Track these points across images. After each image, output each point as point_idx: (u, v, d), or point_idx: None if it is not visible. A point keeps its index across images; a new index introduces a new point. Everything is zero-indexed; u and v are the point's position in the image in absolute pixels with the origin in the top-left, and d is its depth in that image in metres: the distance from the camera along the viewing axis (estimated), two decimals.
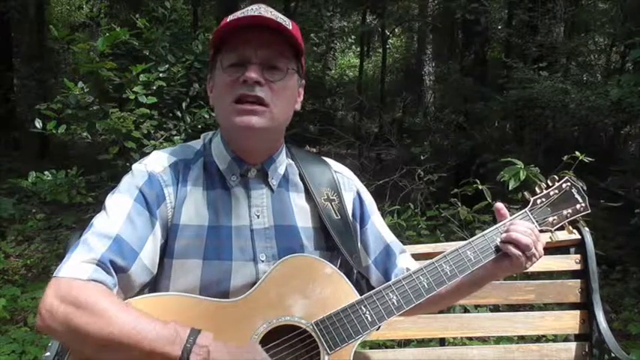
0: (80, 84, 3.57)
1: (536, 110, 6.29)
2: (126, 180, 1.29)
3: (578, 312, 1.98)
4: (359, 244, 1.44)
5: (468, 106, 7.32)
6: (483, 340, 2.97)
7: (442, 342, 2.04)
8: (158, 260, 1.26)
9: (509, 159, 3.24)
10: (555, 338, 2.80)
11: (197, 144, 1.39)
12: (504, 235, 1.35)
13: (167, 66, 3.90)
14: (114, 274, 1.17)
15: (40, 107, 3.60)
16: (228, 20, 1.27)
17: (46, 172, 3.63)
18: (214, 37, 1.28)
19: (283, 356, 1.20)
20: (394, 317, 1.28)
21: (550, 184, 1.49)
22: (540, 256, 1.36)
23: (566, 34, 7.54)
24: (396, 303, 1.27)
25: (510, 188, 3.05)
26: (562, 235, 1.62)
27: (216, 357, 1.08)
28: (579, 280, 2.00)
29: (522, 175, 3.04)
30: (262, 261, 1.28)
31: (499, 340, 2.89)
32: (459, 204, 3.81)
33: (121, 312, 1.11)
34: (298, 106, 1.37)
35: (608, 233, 5.13)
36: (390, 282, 1.30)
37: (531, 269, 1.42)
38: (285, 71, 1.27)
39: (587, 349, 1.95)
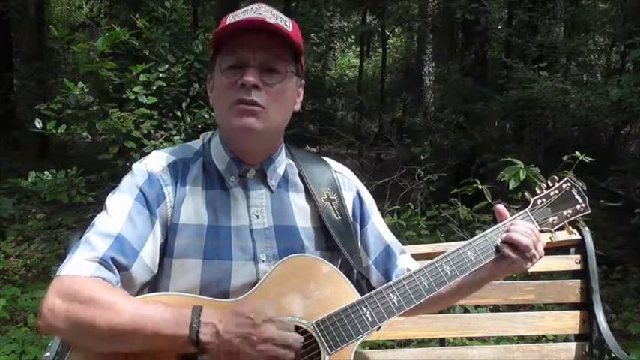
0: (80, 84, 3.57)
1: (536, 110, 6.29)
2: (126, 180, 1.30)
3: (578, 312, 1.98)
4: (359, 244, 1.44)
5: (468, 106, 7.32)
6: (483, 340, 2.97)
7: (442, 342, 2.04)
8: (158, 259, 1.26)
9: (509, 159, 3.24)
10: (555, 338, 2.80)
11: (196, 144, 1.39)
12: (504, 235, 1.36)
13: (167, 66, 3.90)
14: (116, 271, 1.18)
15: (40, 107, 3.61)
16: (227, 21, 1.27)
17: (46, 172, 3.63)
18: (213, 38, 1.28)
19: None
20: (395, 317, 1.28)
21: (550, 184, 1.50)
22: (541, 257, 1.37)
23: (566, 34, 7.54)
24: (396, 303, 1.27)
25: (510, 188, 3.05)
26: (562, 235, 1.62)
27: (224, 328, 1.09)
28: (579, 280, 2.00)
29: (522, 175, 3.04)
30: (263, 261, 1.28)
31: (499, 340, 2.89)
32: (459, 204, 3.81)
33: (125, 301, 1.12)
34: (297, 107, 1.37)
35: (608, 233, 5.13)
36: (390, 282, 1.30)
37: (531, 269, 1.42)
38: (283, 74, 1.27)
39: (587, 349, 1.95)
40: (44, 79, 9.87)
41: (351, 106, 11.79)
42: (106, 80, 3.60)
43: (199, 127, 3.84)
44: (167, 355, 1.13)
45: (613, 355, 1.83)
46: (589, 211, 1.50)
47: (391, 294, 1.28)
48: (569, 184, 1.50)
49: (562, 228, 1.48)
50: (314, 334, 1.21)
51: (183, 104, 3.94)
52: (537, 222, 1.43)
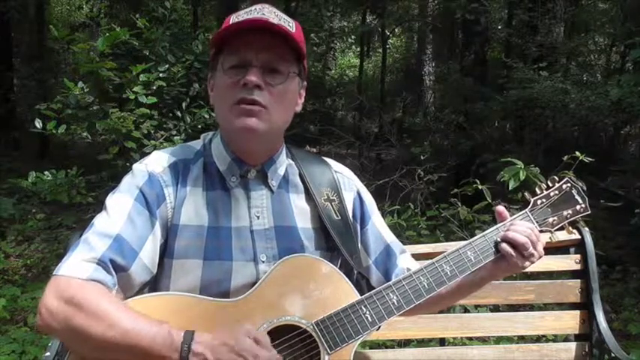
0: (80, 84, 3.57)
1: (536, 110, 6.29)
2: (126, 180, 1.30)
3: (578, 312, 1.98)
4: (359, 244, 1.44)
5: (468, 106, 7.32)
6: (483, 340, 2.97)
7: (442, 342, 2.04)
8: (158, 260, 1.26)
9: (509, 159, 3.24)
10: (555, 338, 2.80)
11: (197, 144, 1.39)
12: (503, 234, 1.36)
13: (167, 66, 3.90)
14: (114, 273, 1.18)
15: (40, 107, 3.61)
16: (230, 21, 1.27)
17: (46, 172, 3.63)
18: (216, 38, 1.28)
19: (283, 356, 1.20)
20: (394, 317, 1.28)
21: (550, 184, 1.50)
22: (540, 257, 1.37)
23: (566, 34, 7.53)
24: (396, 303, 1.27)
25: (510, 188, 3.05)
26: (562, 235, 1.62)
27: (215, 358, 1.08)
28: (579, 280, 2.00)
29: (522, 175, 3.04)
30: (263, 261, 1.28)
31: (499, 340, 2.89)
32: (459, 204, 3.81)
33: (121, 313, 1.11)
34: (299, 108, 1.37)
35: (608, 233, 5.13)
36: (390, 282, 1.31)
37: (531, 269, 1.42)
38: (286, 75, 1.27)
39: (587, 349, 1.95)
40: (44, 79, 9.87)
41: (351, 106, 11.79)
42: (106, 80, 3.60)
43: (199, 127, 3.84)
44: None
45: (613, 355, 1.83)
46: (589, 212, 1.50)
47: (391, 294, 1.28)
48: (569, 185, 1.50)
49: (562, 228, 1.49)
50: (313, 334, 1.21)
51: (183, 104, 3.94)
52: (537, 222, 1.43)
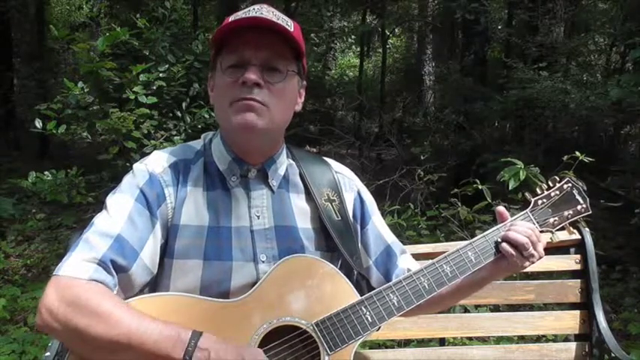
0: (80, 84, 3.57)
1: (536, 110, 6.29)
2: (127, 180, 1.29)
3: (578, 312, 1.98)
4: (359, 244, 1.44)
5: (467, 106, 7.32)
6: (483, 340, 2.97)
7: (442, 342, 2.04)
8: (158, 260, 1.26)
9: (509, 159, 3.24)
10: (555, 338, 2.80)
11: (197, 144, 1.39)
12: (503, 233, 1.36)
13: (167, 66, 3.90)
14: (114, 273, 1.18)
15: (40, 107, 3.60)
16: (229, 20, 1.27)
17: (46, 172, 3.63)
18: (215, 38, 1.28)
19: (283, 357, 1.20)
20: (394, 318, 1.28)
21: (551, 184, 1.50)
22: (540, 257, 1.37)
23: (566, 34, 7.52)
24: (396, 304, 1.27)
25: (510, 188, 3.05)
26: (562, 236, 1.63)
27: (218, 358, 1.08)
28: (579, 280, 2.00)
29: (522, 175, 3.04)
30: (263, 261, 1.28)
31: (499, 340, 2.89)
32: (459, 204, 3.81)
33: (123, 313, 1.11)
34: (299, 107, 1.37)
35: (608, 233, 5.13)
36: (390, 283, 1.31)
37: (531, 269, 1.42)
38: (285, 73, 1.27)
39: (587, 349, 1.95)
40: (44, 79, 9.86)
41: (351, 106, 11.79)
42: (106, 80, 3.60)
43: (199, 127, 3.83)
44: None
45: (613, 355, 1.83)
46: (590, 212, 1.50)
47: (391, 294, 1.28)
48: (570, 185, 1.50)
49: (563, 228, 1.48)
50: (313, 334, 1.21)
51: (183, 104, 3.94)
52: (538, 222, 1.43)
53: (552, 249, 1.92)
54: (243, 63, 1.24)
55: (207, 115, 3.83)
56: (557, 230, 1.47)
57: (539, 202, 1.46)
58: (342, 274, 1.29)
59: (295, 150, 1.45)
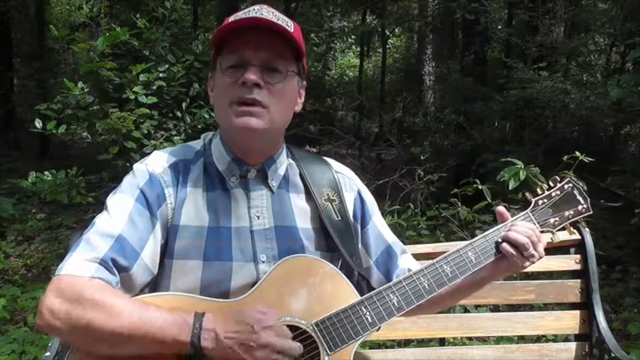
0: (80, 84, 3.57)
1: (536, 110, 6.29)
2: (127, 180, 1.30)
3: (578, 312, 1.98)
4: (360, 244, 1.44)
5: (467, 106, 7.32)
6: (483, 340, 2.97)
7: (442, 342, 2.04)
8: (158, 260, 1.26)
9: (509, 159, 3.24)
10: (555, 338, 2.80)
11: (197, 144, 1.39)
12: (503, 233, 1.36)
13: (167, 66, 3.90)
14: (116, 272, 1.18)
15: (40, 107, 3.60)
16: (229, 21, 1.27)
17: (46, 172, 3.63)
18: (215, 38, 1.28)
19: None
20: (394, 318, 1.28)
21: (552, 185, 1.49)
22: (540, 257, 1.37)
23: (566, 34, 7.52)
24: (396, 304, 1.27)
25: (510, 188, 3.05)
26: (562, 236, 1.62)
27: (225, 334, 1.09)
28: (579, 280, 2.00)
29: (522, 175, 3.04)
30: (263, 262, 1.28)
31: (499, 340, 2.89)
32: (459, 204, 3.81)
33: (126, 303, 1.12)
34: (299, 108, 1.37)
35: (608, 233, 5.13)
36: (390, 283, 1.31)
37: (531, 269, 1.42)
38: (284, 73, 1.27)
39: (587, 349, 1.95)
40: (44, 79, 9.86)
41: (351, 106, 11.79)
42: (106, 80, 3.60)
43: (199, 127, 3.83)
44: (165, 358, 1.13)
45: (613, 355, 1.83)
46: (591, 212, 1.50)
47: (391, 295, 1.28)
48: (570, 185, 1.50)
49: (563, 228, 1.48)
50: (313, 334, 1.21)
51: (183, 104, 3.94)
52: (538, 222, 1.43)
53: (552, 249, 1.92)
54: (243, 63, 1.24)
55: (207, 115, 3.83)
56: (558, 230, 1.47)
57: (540, 202, 1.46)
58: (343, 274, 1.29)
59: (295, 150, 1.45)
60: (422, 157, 6.43)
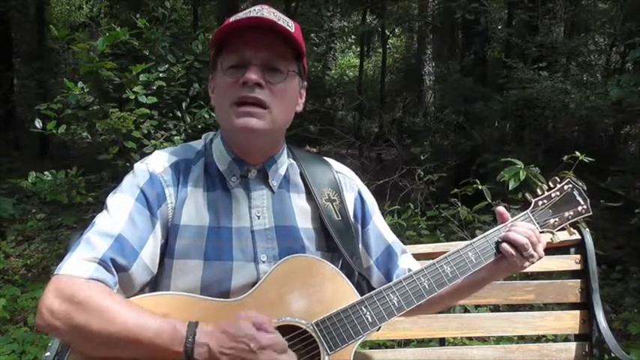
0: (80, 84, 3.57)
1: (536, 110, 6.28)
2: (127, 179, 1.30)
3: (578, 312, 1.98)
4: (360, 244, 1.44)
5: (467, 106, 7.32)
6: (483, 340, 2.97)
7: (442, 342, 2.04)
8: (158, 260, 1.26)
9: (509, 159, 3.24)
10: (555, 338, 2.80)
11: (198, 144, 1.39)
12: (503, 233, 1.36)
13: (167, 66, 3.90)
14: (115, 273, 1.18)
15: (40, 107, 3.60)
16: (229, 21, 1.27)
17: (46, 172, 3.63)
18: (215, 38, 1.28)
19: None
20: (394, 318, 1.28)
21: (552, 185, 1.50)
22: (540, 258, 1.37)
23: (566, 34, 7.52)
24: (396, 304, 1.28)
25: (510, 188, 3.05)
26: (562, 236, 1.63)
27: (219, 349, 1.08)
28: (579, 280, 2.00)
29: (522, 176, 3.04)
30: (263, 262, 1.28)
31: (499, 340, 2.89)
32: (459, 204, 3.81)
33: (122, 308, 1.12)
34: (300, 108, 1.37)
35: (608, 233, 5.13)
36: (390, 283, 1.31)
37: (531, 269, 1.42)
38: (285, 73, 1.27)
39: (587, 349, 1.95)
40: (44, 79, 9.86)
41: (351, 106, 11.79)
42: (106, 80, 3.60)
43: (199, 127, 3.83)
44: None
45: (613, 355, 1.83)
46: (590, 213, 1.50)
47: (391, 294, 1.28)
48: (570, 186, 1.50)
49: (563, 229, 1.48)
50: (313, 334, 1.21)
51: (183, 104, 3.94)
52: (538, 223, 1.43)
53: (552, 249, 1.92)
54: (244, 63, 1.24)
55: (207, 115, 3.83)
56: (558, 231, 1.48)
57: (540, 202, 1.46)
58: (343, 275, 1.29)
59: (296, 150, 1.45)
60: (422, 157, 6.43)
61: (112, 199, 1.27)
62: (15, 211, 5.20)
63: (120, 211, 1.23)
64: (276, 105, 1.26)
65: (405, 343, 2.69)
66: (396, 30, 13.10)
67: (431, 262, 1.34)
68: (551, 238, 1.49)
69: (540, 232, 1.40)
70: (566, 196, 1.49)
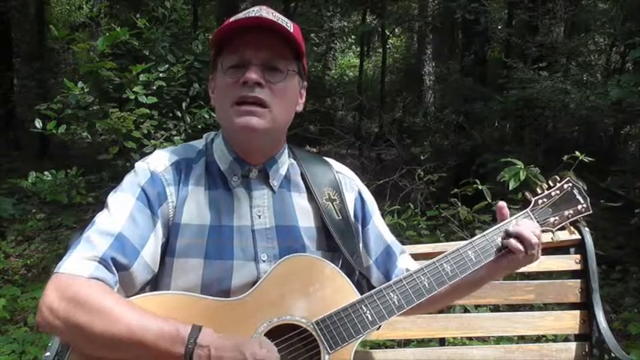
0: (80, 84, 3.58)
1: (536, 110, 6.29)
2: (128, 178, 1.30)
3: (578, 312, 1.98)
4: (360, 244, 1.45)
5: (467, 106, 7.32)
6: (483, 340, 2.97)
7: (442, 342, 2.04)
8: (159, 259, 1.26)
9: (509, 159, 3.24)
10: (555, 338, 2.80)
11: (199, 144, 1.39)
12: (514, 228, 1.35)
13: (167, 66, 3.91)
14: (115, 272, 1.18)
15: (40, 107, 3.61)
16: (229, 21, 1.28)
17: (46, 172, 3.63)
18: (215, 38, 1.29)
19: (284, 355, 1.20)
20: (395, 317, 1.28)
21: (551, 184, 1.50)
22: (538, 259, 1.37)
23: (566, 34, 7.52)
24: (396, 302, 1.28)
25: (510, 188, 3.05)
26: (562, 235, 1.62)
27: (217, 355, 1.08)
28: (579, 280, 2.00)
29: (522, 176, 3.05)
30: (264, 261, 1.28)
31: (499, 340, 2.89)
32: (459, 204, 3.82)
33: (124, 309, 1.11)
34: (300, 108, 1.38)
35: (608, 233, 5.13)
36: (390, 281, 1.31)
37: (531, 269, 1.42)
38: (285, 73, 1.28)
39: (587, 349, 1.95)
40: (44, 79, 9.86)
41: (351, 106, 11.78)
42: (106, 80, 3.61)
43: (199, 127, 3.84)
44: None
45: (613, 355, 1.83)
46: (590, 211, 1.50)
47: (391, 293, 1.28)
48: (570, 184, 1.50)
49: (563, 228, 1.48)
50: (314, 333, 1.21)
51: (183, 104, 3.95)
52: (538, 222, 1.43)
53: (552, 249, 1.92)
54: (244, 63, 1.25)
55: (207, 115, 3.83)
56: (558, 230, 1.48)
57: (540, 201, 1.46)
58: (343, 274, 1.29)
59: (296, 150, 1.46)
60: (422, 157, 6.43)
61: (112, 198, 1.27)
62: (15, 211, 5.20)
63: (121, 210, 1.23)
64: (277, 104, 1.26)
65: (405, 343, 2.69)
66: (396, 30, 13.10)
67: (431, 260, 1.34)
68: (551, 237, 1.49)
69: (540, 231, 1.40)
70: (566, 194, 1.49)
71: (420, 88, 11.74)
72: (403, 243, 1.55)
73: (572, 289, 1.99)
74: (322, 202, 1.37)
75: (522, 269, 1.45)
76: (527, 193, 1.49)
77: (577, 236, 1.96)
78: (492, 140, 7.38)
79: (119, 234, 1.20)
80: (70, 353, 1.17)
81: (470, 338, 2.77)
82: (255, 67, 1.24)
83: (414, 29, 13.31)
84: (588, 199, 1.51)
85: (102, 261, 1.16)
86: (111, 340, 1.09)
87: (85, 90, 3.56)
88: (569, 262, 2.02)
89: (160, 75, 3.81)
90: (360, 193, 1.47)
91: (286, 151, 1.41)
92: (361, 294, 1.28)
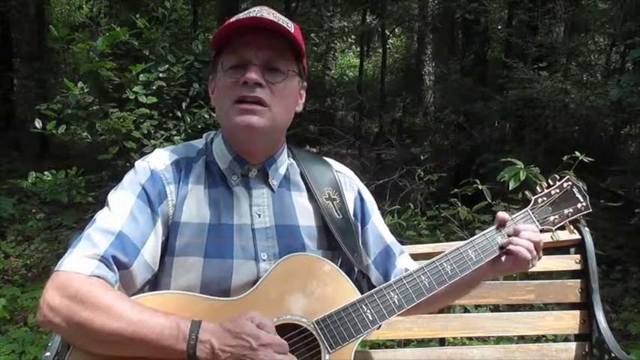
0: (80, 84, 3.58)
1: (536, 110, 6.29)
2: (128, 177, 1.30)
3: (578, 312, 1.98)
4: (360, 243, 1.45)
5: (467, 106, 7.32)
6: (483, 340, 2.97)
7: (442, 342, 2.04)
8: (159, 257, 1.26)
9: (509, 159, 3.24)
10: (555, 338, 2.80)
11: (199, 143, 1.39)
12: (513, 230, 1.35)
13: (167, 66, 3.91)
14: (116, 270, 1.18)
15: (40, 107, 3.61)
16: (229, 22, 1.28)
17: (46, 172, 3.63)
18: (215, 39, 1.29)
19: None
20: (395, 316, 1.28)
21: (551, 183, 1.50)
22: (539, 259, 1.37)
23: (566, 34, 7.52)
24: (397, 302, 1.28)
25: (510, 188, 3.05)
26: (562, 235, 1.63)
27: (221, 347, 1.09)
28: (579, 280, 2.00)
29: (522, 176, 3.04)
30: (264, 260, 1.28)
31: (499, 340, 2.89)
32: (459, 204, 3.82)
33: (125, 306, 1.12)
34: (299, 108, 1.38)
35: (608, 233, 5.13)
36: (391, 281, 1.31)
37: (531, 269, 1.42)
38: (285, 73, 1.28)
39: (587, 349, 1.95)
40: (44, 79, 9.86)
41: (351, 106, 11.78)
42: (106, 80, 3.61)
43: (199, 127, 3.84)
44: None
45: (613, 355, 1.83)
46: (590, 210, 1.50)
47: (392, 293, 1.28)
48: (570, 183, 1.50)
49: (563, 227, 1.48)
50: (314, 332, 1.21)
51: (183, 104, 3.95)
52: (538, 221, 1.44)
53: (552, 249, 1.92)
54: (244, 63, 1.25)
55: (207, 115, 3.83)
56: (558, 229, 1.48)
57: (540, 200, 1.46)
58: (343, 273, 1.29)
59: (296, 150, 1.46)
60: (422, 157, 6.43)
61: (113, 196, 1.27)
62: (15, 211, 5.21)
63: (121, 208, 1.23)
64: (276, 104, 1.26)
65: (405, 343, 2.69)
66: (396, 30, 13.09)
67: (431, 260, 1.34)
68: (552, 236, 1.49)
69: (540, 230, 1.40)
70: (565, 193, 1.49)
71: (420, 88, 11.73)
72: (403, 243, 1.55)
73: (572, 289, 1.99)
74: (322, 201, 1.37)
75: None
76: (527, 192, 1.49)
77: (577, 236, 1.96)
78: (492, 140, 7.39)
79: (120, 232, 1.20)
80: (70, 353, 1.17)
81: (470, 338, 2.77)
82: (256, 68, 1.24)
83: (414, 29, 13.30)
84: (588, 197, 1.51)
85: (103, 259, 1.16)
86: (112, 337, 1.09)
87: (85, 90, 3.56)
88: (569, 262, 2.02)
89: (160, 75, 3.81)
90: (359, 193, 1.48)
91: (285, 151, 1.41)
92: (361, 293, 1.28)
